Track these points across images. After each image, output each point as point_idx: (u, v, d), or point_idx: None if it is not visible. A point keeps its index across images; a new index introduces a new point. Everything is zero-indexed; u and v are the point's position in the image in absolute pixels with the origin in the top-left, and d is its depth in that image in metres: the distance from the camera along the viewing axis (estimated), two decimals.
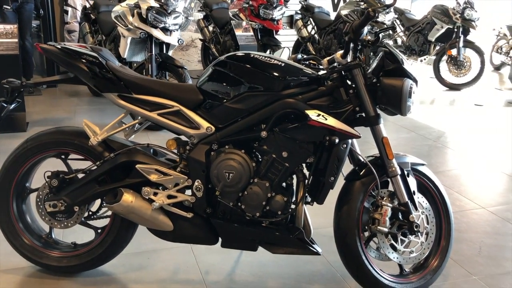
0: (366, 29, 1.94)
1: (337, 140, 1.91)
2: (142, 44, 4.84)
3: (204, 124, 2.02)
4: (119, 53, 4.87)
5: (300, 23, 7.32)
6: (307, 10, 7.27)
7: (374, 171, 2.01)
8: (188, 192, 2.07)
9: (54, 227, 2.21)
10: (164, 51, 4.72)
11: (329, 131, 1.91)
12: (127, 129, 2.18)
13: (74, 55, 2.06)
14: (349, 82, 1.98)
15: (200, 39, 7.02)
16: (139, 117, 2.12)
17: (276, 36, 6.24)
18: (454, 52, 6.80)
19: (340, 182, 2.05)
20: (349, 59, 2.01)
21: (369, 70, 2.05)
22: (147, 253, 2.48)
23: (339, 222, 2.07)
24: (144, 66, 4.56)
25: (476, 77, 6.83)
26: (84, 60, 2.06)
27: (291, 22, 7.67)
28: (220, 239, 2.11)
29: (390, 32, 7.21)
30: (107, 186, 2.10)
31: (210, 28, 6.76)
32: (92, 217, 2.25)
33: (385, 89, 1.94)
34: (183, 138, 2.10)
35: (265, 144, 1.97)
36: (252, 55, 2.01)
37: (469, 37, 6.87)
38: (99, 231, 2.25)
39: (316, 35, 7.11)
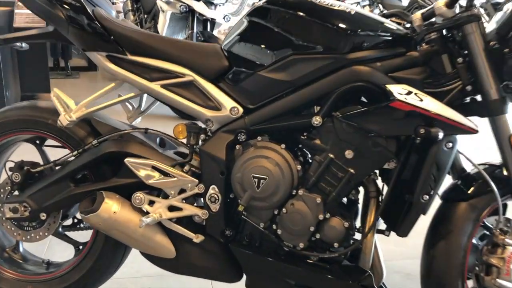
0: None
1: (440, 135, 1.19)
2: (184, 21, 4.42)
3: (228, 103, 1.38)
4: (158, 31, 4.37)
5: (367, 9, 6.59)
6: None
7: (494, 187, 1.26)
8: (200, 203, 1.45)
9: (17, 238, 1.61)
10: (208, 29, 4.18)
11: (425, 119, 1.23)
12: (130, 108, 1.61)
13: (52, 0, 1.48)
14: (457, 47, 1.30)
15: None
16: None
17: None
18: None
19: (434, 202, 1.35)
20: (457, 10, 1.30)
21: (491, 30, 1.31)
22: (148, 278, 1.91)
23: (432, 265, 1.38)
24: None
25: None
26: (66, 6, 1.47)
27: None
28: (244, 276, 1.45)
29: None
30: (86, 187, 1.49)
31: None
32: (77, 226, 1.67)
33: None
34: (199, 123, 1.46)
35: (318, 137, 1.33)
36: None
37: None
38: (80, 247, 1.64)
39: None
